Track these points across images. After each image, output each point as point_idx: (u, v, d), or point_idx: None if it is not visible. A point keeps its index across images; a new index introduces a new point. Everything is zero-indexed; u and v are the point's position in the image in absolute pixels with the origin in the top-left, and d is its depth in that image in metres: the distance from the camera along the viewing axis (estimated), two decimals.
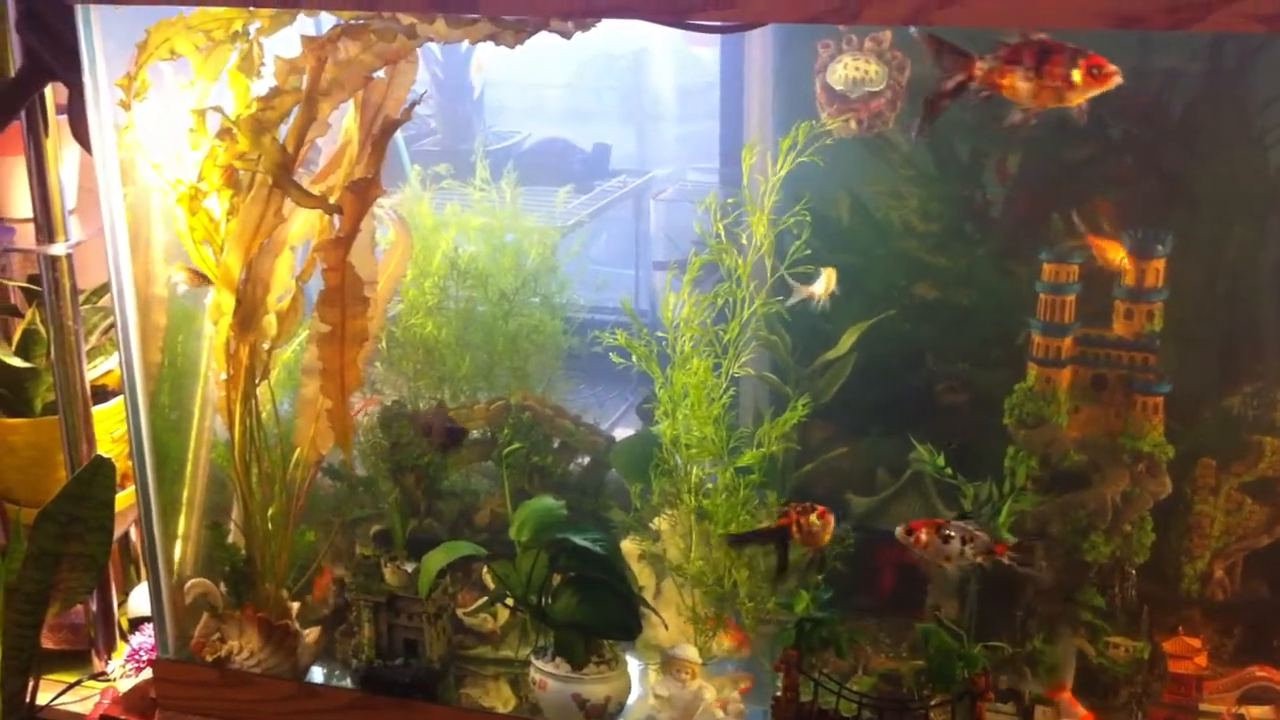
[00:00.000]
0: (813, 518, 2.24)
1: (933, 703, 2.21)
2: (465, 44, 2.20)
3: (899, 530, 2.20)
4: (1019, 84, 1.85)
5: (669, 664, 2.39)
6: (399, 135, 2.86)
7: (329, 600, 2.69)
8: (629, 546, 2.58)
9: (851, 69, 2.51)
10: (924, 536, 2.17)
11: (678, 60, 3.54)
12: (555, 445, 2.74)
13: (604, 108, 3.62)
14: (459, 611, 2.61)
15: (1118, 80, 1.81)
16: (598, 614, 2.35)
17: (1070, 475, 2.44)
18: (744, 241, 2.46)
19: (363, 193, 2.25)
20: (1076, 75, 1.81)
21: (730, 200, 2.47)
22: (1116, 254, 2.39)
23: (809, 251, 2.43)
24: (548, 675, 2.38)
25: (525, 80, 3.52)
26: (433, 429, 2.55)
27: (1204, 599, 2.47)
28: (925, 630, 2.27)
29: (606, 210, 3.20)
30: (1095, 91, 1.82)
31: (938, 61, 1.91)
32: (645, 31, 2.10)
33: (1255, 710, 2.33)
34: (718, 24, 2.26)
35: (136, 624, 3.02)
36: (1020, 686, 2.34)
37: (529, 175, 2.97)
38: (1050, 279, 2.41)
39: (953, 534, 2.16)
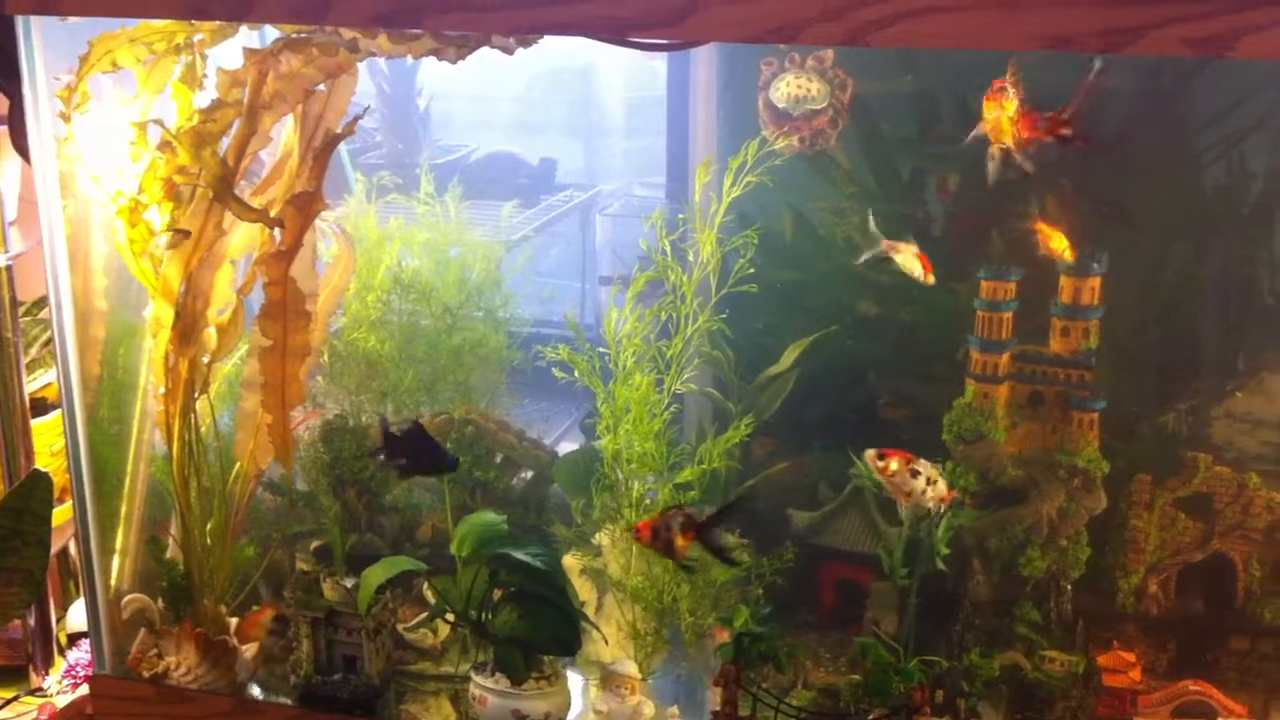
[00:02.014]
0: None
1: (870, 717, 2.23)
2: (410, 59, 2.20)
3: (870, 453, 2.19)
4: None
5: (609, 679, 2.39)
6: (342, 148, 2.86)
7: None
8: (571, 561, 2.59)
9: (794, 86, 2.54)
10: (894, 465, 2.16)
11: (627, 74, 3.55)
12: (498, 460, 2.74)
13: (552, 121, 3.63)
14: (400, 627, 2.61)
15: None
16: (537, 629, 2.35)
17: (1008, 491, 2.47)
18: (690, 258, 2.47)
19: (304, 206, 2.24)
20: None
21: (681, 217, 2.48)
22: (1060, 244, 2.41)
23: (752, 270, 2.44)
24: (488, 691, 2.38)
25: (473, 93, 3.52)
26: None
27: (1139, 613, 2.50)
28: (862, 644, 2.29)
29: (553, 224, 3.20)
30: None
31: None
32: (595, 45, 2.10)
33: None
34: (660, 42, 2.28)
35: (76, 639, 2.99)
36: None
37: (475, 189, 2.97)
38: (988, 296, 2.44)
39: (921, 470, 2.16)
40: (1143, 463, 2.49)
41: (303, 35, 2.19)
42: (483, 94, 3.51)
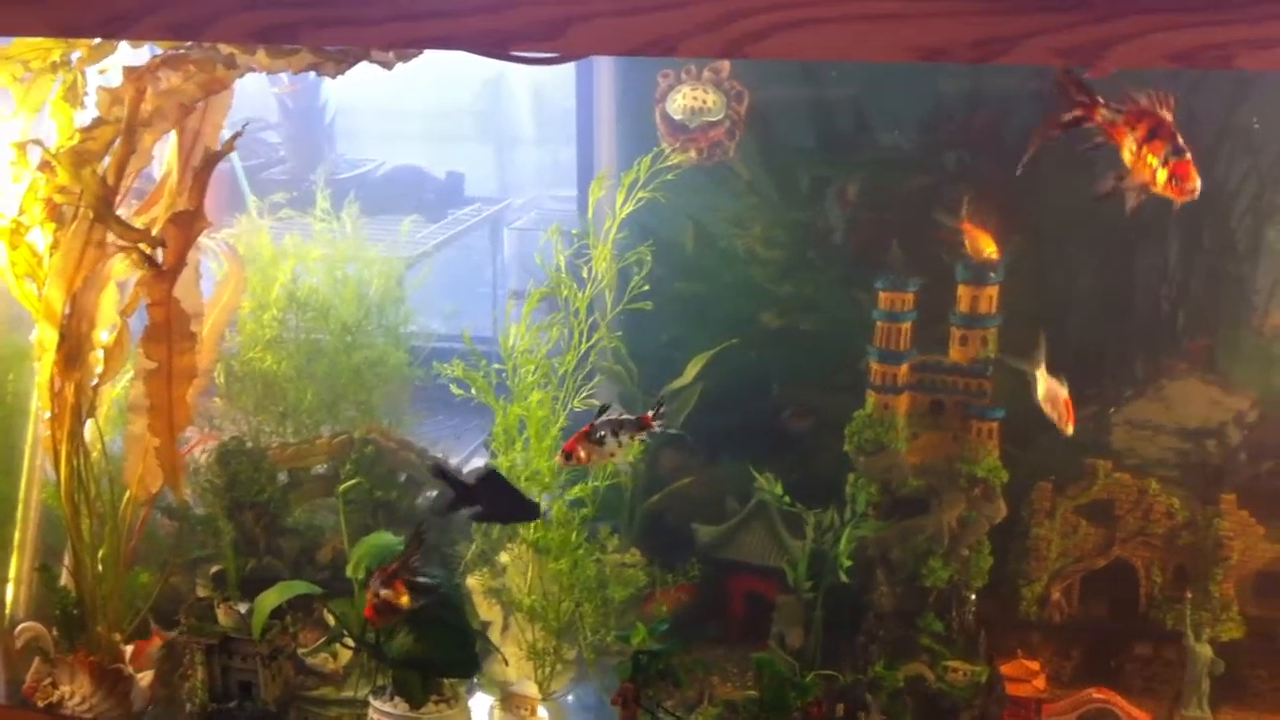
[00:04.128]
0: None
1: None
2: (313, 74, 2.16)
3: (559, 458, 2.10)
4: (1127, 148, 1.73)
5: (509, 700, 2.36)
6: (238, 164, 2.82)
7: None
8: (474, 582, 2.55)
9: (690, 98, 2.52)
10: (582, 453, 2.07)
11: (543, 87, 3.52)
12: (402, 479, 2.70)
13: (462, 134, 3.59)
14: (300, 651, 2.56)
15: (1192, 196, 1.66)
16: (434, 651, 2.31)
17: (909, 501, 2.46)
18: (584, 274, 2.45)
19: (185, 225, 2.20)
20: (1161, 176, 1.68)
21: (575, 232, 2.46)
22: (987, 245, 2.39)
23: (647, 288, 2.42)
24: (386, 715, 2.33)
25: (381, 107, 3.47)
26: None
27: (1042, 621, 2.50)
28: (759, 660, 2.27)
29: (460, 238, 3.17)
30: (1170, 196, 1.68)
31: (1062, 93, 1.79)
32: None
33: None
34: (540, 55, 2.25)
35: None
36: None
37: (382, 204, 2.93)
38: (886, 307, 2.43)
39: (603, 432, 2.07)
40: (1043, 470, 2.49)
41: (180, 51, 2.15)
42: (392, 108, 3.46)
